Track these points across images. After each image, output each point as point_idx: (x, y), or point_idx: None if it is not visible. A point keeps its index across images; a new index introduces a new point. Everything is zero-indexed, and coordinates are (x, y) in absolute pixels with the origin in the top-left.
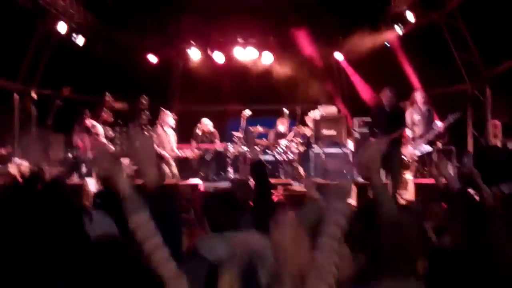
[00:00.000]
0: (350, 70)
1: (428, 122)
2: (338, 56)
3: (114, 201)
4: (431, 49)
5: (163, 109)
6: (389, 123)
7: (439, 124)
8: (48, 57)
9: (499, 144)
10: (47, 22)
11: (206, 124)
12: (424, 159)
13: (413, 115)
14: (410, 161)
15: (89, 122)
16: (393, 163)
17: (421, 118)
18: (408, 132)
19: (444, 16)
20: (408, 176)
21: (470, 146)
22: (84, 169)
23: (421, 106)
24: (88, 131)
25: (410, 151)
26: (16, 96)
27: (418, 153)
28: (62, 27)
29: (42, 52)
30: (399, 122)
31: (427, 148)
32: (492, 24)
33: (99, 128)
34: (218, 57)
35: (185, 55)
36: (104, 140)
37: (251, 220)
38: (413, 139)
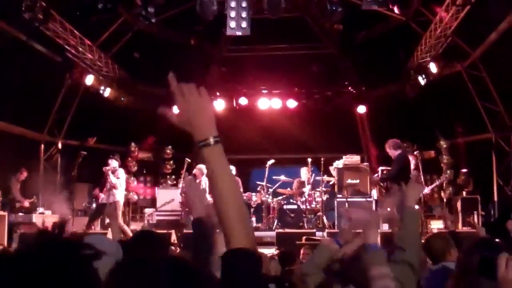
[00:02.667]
0: (372, 121)
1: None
2: (361, 109)
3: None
4: (454, 99)
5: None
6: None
7: (426, 189)
8: (75, 109)
9: None
10: (75, 75)
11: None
12: None
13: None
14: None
15: (109, 168)
16: None
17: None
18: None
19: (466, 66)
20: (434, 225)
21: (495, 195)
22: (107, 220)
23: (411, 170)
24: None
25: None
26: (42, 146)
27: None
28: (89, 80)
29: (69, 104)
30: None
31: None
32: None
33: (120, 173)
34: (242, 108)
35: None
36: (119, 186)
37: None
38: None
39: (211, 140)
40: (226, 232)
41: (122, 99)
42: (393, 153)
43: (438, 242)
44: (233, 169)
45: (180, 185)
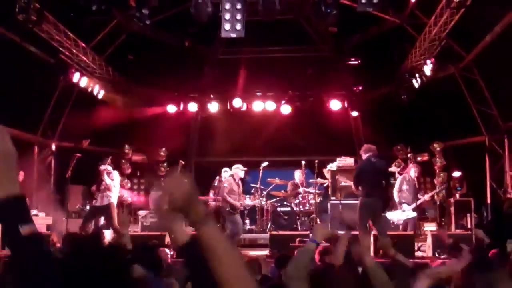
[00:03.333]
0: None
1: (415, 192)
2: (354, 112)
3: None
4: (448, 102)
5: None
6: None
7: (425, 196)
8: (69, 111)
9: None
10: (68, 77)
11: (224, 175)
12: (406, 225)
13: (402, 184)
14: (396, 224)
15: (105, 168)
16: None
17: (409, 188)
18: (395, 196)
19: (460, 69)
20: (427, 227)
21: (488, 198)
22: (102, 221)
23: (413, 178)
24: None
25: (397, 215)
26: (36, 148)
27: (405, 217)
28: (83, 81)
29: (63, 105)
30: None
31: (412, 214)
32: (508, 76)
33: (115, 175)
34: (236, 110)
35: (204, 109)
36: (113, 187)
37: None
38: (399, 204)
39: (207, 218)
40: None
41: (116, 101)
42: (363, 157)
43: None
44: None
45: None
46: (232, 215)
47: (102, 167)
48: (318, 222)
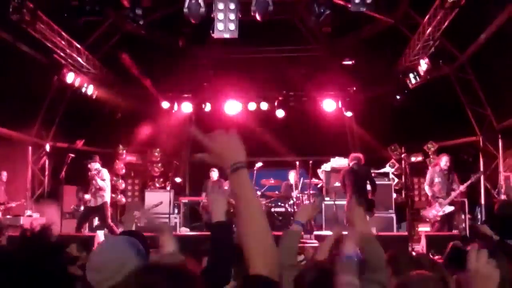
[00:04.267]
0: (361, 123)
1: (448, 184)
2: (348, 113)
3: None
4: (442, 102)
5: None
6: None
7: (460, 186)
8: (63, 111)
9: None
10: (62, 77)
11: (213, 175)
12: (444, 218)
13: (434, 176)
14: (433, 220)
15: (94, 166)
16: None
17: (441, 180)
18: (427, 191)
19: (455, 69)
20: (422, 228)
21: (482, 198)
22: (96, 222)
23: (444, 169)
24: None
25: (434, 211)
26: (30, 148)
27: (441, 213)
28: (77, 81)
29: (57, 106)
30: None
31: (449, 208)
32: (502, 76)
33: (105, 174)
34: (231, 110)
35: (198, 109)
36: (106, 186)
37: None
38: (433, 198)
39: (237, 165)
40: (246, 257)
41: (110, 101)
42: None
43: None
44: (214, 173)
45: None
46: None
47: (92, 173)
48: (313, 223)
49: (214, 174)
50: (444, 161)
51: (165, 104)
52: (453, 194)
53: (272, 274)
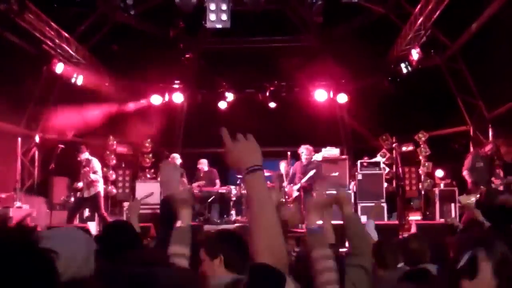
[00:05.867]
0: (352, 113)
1: (491, 171)
2: (342, 98)
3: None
4: (433, 92)
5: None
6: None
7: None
8: (53, 102)
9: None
10: (51, 67)
11: (202, 165)
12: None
13: (475, 161)
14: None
15: (83, 157)
16: None
17: (483, 166)
18: (466, 176)
19: (446, 59)
20: (412, 217)
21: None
22: (86, 213)
23: (487, 153)
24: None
25: (466, 199)
26: (19, 140)
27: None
28: (66, 72)
29: (46, 97)
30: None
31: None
32: (493, 66)
33: (95, 164)
34: (222, 101)
35: (190, 99)
36: (99, 177)
37: None
38: (475, 184)
39: (255, 167)
40: (255, 251)
41: (100, 91)
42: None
43: (415, 243)
44: (205, 162)
45: None
46: None
47: (82, 157)
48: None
49: (204, 165)
50: (488, 146)
51: (155, 99)
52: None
53: (279, 266)
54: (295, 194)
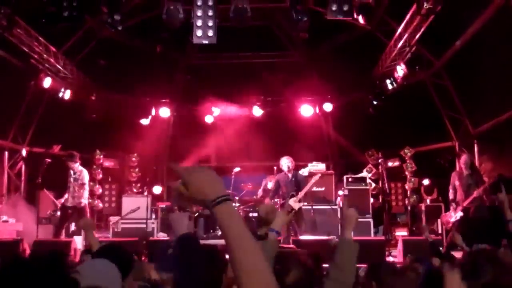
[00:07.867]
0: (338, 128)
1: (468, 187)
2: (327, 107)
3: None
4: (418, 108)
5: None
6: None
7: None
8: (40, 116)
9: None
10: (39, 82)
11: None
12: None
13: (454, 179)
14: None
15: (75, 166)
16: None
17: (462, 183)
18: (450, 194)
19: (430, 75)
20: (399, 233)
21: None
22: (73, 227)
23: (463, 168)
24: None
25: (448, 217)
26: (6, 154)
27: (453, 219)
28: (53, 86)
29: (33, 111)
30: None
31: (458, 215)
32: (478, 82)
33: (85, 175)
34: (208, 115)
35: (176, 113)
36: (86, 190)
37: None
38: (452, 203)
39: (223, 198)
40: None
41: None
42: None
43: None
44: None
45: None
46: None
47: (72, 166)
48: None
49: None
50: (462, 159)
51: (144, 121)
52: (469, 199)
53: None
54: (297, 206)
